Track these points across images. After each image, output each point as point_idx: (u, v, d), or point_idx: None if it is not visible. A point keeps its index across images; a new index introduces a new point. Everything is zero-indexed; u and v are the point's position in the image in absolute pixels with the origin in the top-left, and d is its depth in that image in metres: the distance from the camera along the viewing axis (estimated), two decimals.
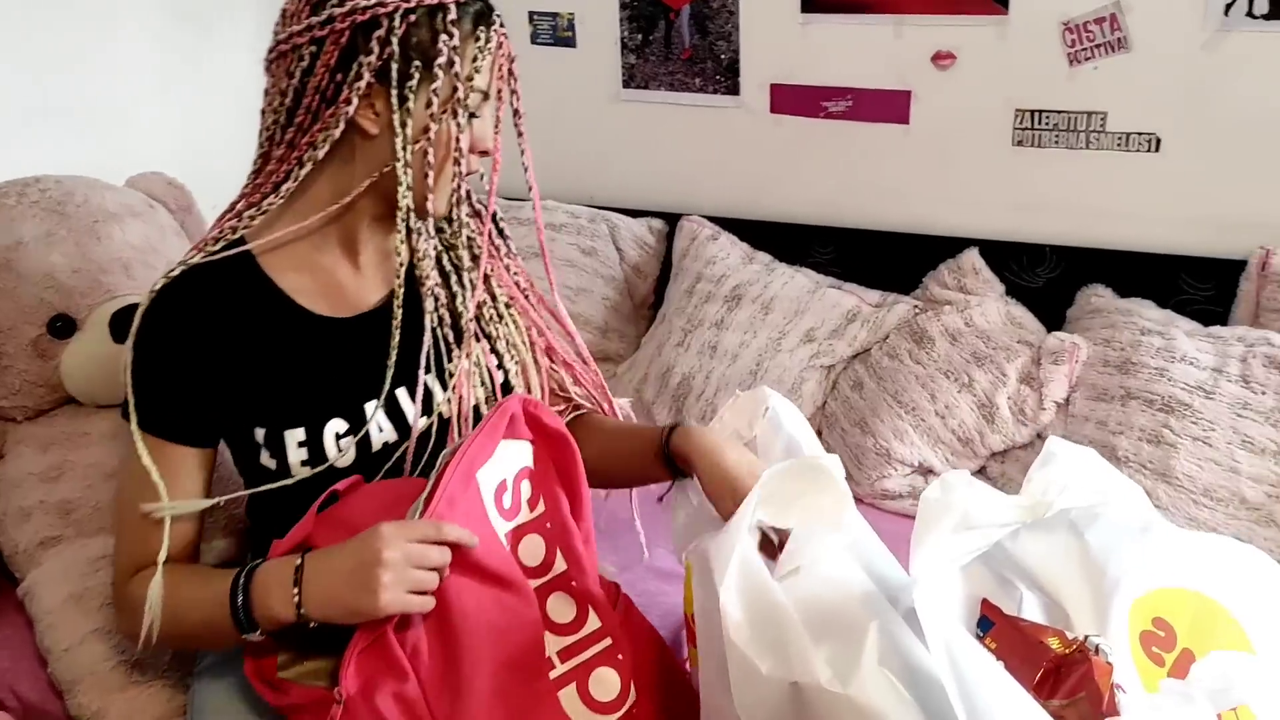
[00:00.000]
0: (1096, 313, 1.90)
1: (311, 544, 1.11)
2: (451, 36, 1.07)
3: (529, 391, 1.32)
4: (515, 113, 1.16)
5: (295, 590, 1.03)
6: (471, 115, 1.11)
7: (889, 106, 2.07)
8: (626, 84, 2.33)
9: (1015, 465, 1.84)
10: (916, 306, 2.03)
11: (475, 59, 1.10)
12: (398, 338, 1.17)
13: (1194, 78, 1.81)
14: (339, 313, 1.20)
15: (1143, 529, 1.15)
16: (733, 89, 2.22)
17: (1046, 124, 1.95)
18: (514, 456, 1.15)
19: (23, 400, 1.65)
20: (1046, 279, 2.01)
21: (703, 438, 1.18)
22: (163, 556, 1.11)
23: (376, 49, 1.06)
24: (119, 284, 1.67)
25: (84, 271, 1.64)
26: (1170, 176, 1.89)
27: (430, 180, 1.11)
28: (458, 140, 1.10)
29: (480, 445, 1.10)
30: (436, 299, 1.22)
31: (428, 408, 1.22)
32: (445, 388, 1.23)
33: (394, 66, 1.06)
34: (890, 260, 2.14)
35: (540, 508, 1.17)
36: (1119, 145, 1.91)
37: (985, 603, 1.16)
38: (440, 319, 1.23)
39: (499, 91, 1.14)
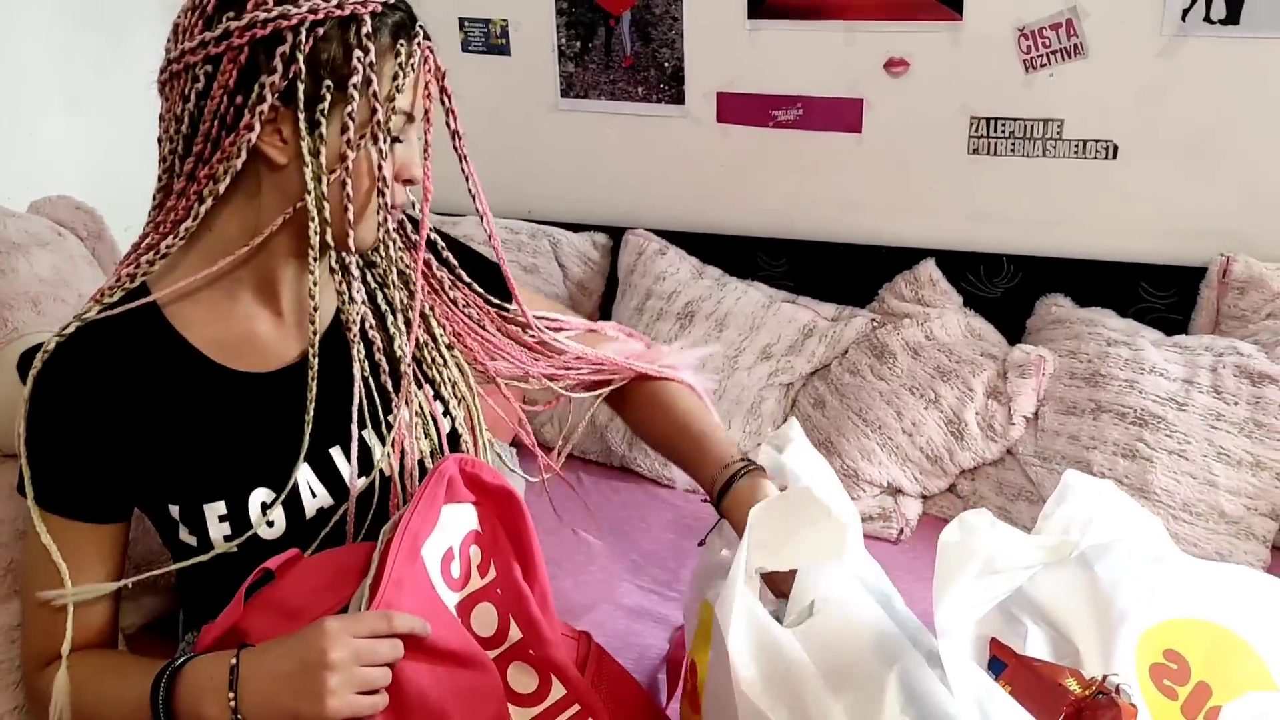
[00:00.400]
0: (1058, 323, 1.87)
1: (244, 631, 0.99)
2: (367, 52, 0.93)
3: (476, 438, 1.20)
4: (454, 135, 1.02)
5: (231, 695, 0.90)
6: (394, 140, 0.98)
7: (841, 115, 2.02)
8: (564, 93, 2.23)
9: (986, 482, 1.79)
10: (874, 320, 1.97)
11: (396, 77, 0.96)
12: (314, 390, 1.03)
13: (1151, 84, 1.79)
14: (258, 367, 1.04)
15: (1154, 559, 1.11)
16: (677, 98, 2.14)
17: (1002, 131, 1.91)
18: (458, 521, 1.05)
19: None
20: (1004, 289, 1.98)
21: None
22: (66, 649, 0.99)
23: (280, 67, 0.92)
24: (27, 321, 1.52)
25: None
26: (1128, 184, 1.86)
27: (351, 214, 0.97)
28: (380, 168, 0.97)
29: (422, 516, 1.00)
30: (370, 343, 1.08)
31: (366, 466, 1.08)
32: (384, 442, 1.08)
33: (300, 87, 0.92)
34: (844, 272, 2.08)
35: (491, 573, 1.08)
36: (1076, 153, 1.88)
37: (994, 642, 1.10)
38: (375, 366, 1.08)
39: (426, 112, 1.00)
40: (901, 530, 1.78)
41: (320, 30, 0.93)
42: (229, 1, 0.93)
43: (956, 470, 1.80)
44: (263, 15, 0.92)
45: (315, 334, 1.03)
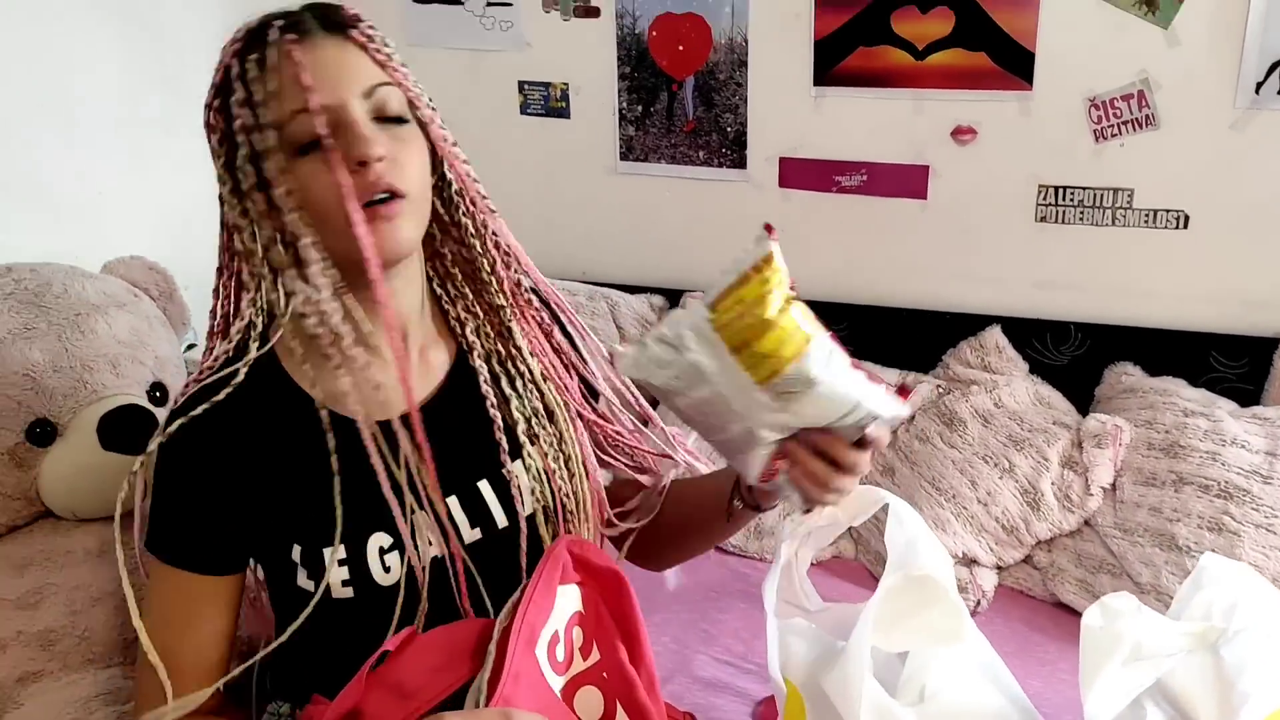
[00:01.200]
0: (1130, 392, 1.86)
1: (361, 711, 0.97)
2: (230, 66, 0.94)
3: (579, 504, 1.17)
4: (397, 119, 0.95)
5: None
6: (306, 148, 0.91)
7: (906, 181, 2.02)
8: (624, 156, 2.24)
9: (1064, 554, 1.76)
10: (940, 386, 1.96)
11: (264, 79, 0.92)
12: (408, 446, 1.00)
13: (1223, 155, 1.80)
14: (376, 414, 1.01)
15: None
16: (739, 162, 2.14)
17: (1071, 200, 1.92)
18: (564, 604, 1.02)
19: None
20: (1071, 356, 1.97)
21: None
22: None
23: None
24: (106, 383, 1.50)
25: (66, 370, 1.47)
26: (1199, 254, 1.86)
27: (335, 235, 0.92)
28: (318, 172, 0.91)
29: (539, 605, 0.97)
30: (483, 398, 1.06)
31: (479, 516, 1.06)
32: (498, 494, 1.06)
33: (211, 139, 0.97)
34: (906, 337, 2.07)
35: (594, 655, 1.05)
36: (1146, 222, 1.88)
37: None
38: (490, 420, 1.05)
39: (371, 90, 0.93)
40: (978, 602, 1.75)
41: (216, 102, 0.96)
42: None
43: (1033, 541, 1.77)
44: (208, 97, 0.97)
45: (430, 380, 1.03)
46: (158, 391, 1.59)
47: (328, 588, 1.00)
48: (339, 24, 0.94)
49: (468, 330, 1.07)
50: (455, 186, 1.03)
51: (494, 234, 1.06)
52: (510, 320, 1.09)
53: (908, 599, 1.08)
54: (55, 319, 1.49)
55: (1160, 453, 1.72)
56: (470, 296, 1.07)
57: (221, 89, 0.95)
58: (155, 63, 1.96)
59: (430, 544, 1.04)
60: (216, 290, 1.06)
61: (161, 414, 1.54)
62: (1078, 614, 1.72)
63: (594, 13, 2.16)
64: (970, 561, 1.79)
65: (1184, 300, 1.89)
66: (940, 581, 1.09)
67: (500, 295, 1.07)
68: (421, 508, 1.02)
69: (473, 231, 1.05)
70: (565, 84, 2.24)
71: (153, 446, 1.00)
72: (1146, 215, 1.88)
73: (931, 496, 1.81)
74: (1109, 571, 1.71)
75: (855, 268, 2.12)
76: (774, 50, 2.04)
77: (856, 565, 1.90)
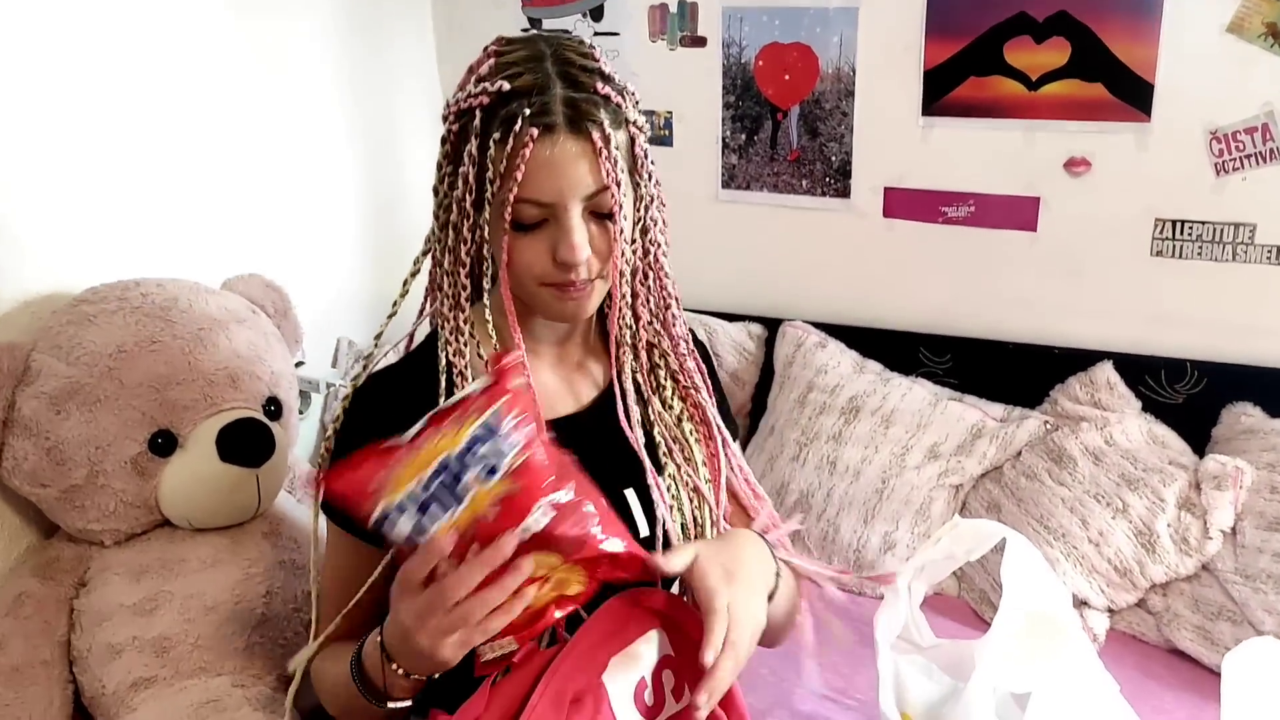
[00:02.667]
0: (1250, 433, 1.79)
1: None
2: (467, 142, 1.00)
3: (708, 528, 1.18)
4: (609, 216, 1.01)
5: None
6: (524, 226, 1.00)
7: (1015, 213, 1.99)
8: (725, 184, 2.24)
9: (1181, 599, 1.70)
10: (1048, 423, 1.92)
11: (502, 164, 0.98)
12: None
13: None
14: (544, 414, 1.09)
15: None
16: (842, 191, 2.13)
17: (1189, 235, 1.86)
18: (647, 651, 1.03)
19: (115, 523, 1.51)
20: (1187, 395, 1.91)
21: None
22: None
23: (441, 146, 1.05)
24: (225, 397, 1.54)
25: (189, 383, 1.51)
26: None
27: (524, 292, 1.06)
28: (522, 252, 1.01)
29: (576, 664, 0.98)
30: (629, 414, 1.13)
31: (629, 522, 1.09)
32: (643, 504, 1.12)
33: (441, 172, 1.05)
34: (1012, 372, 2.03)
35: (686, 695, 1.05)
36: (1269, 259, 1.82)
37: None
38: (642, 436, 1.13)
39: (598, 193, 1.00)
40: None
41: (455, 125, 1.02)
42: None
43: (1147, 584, 1.71)
44: (454, 96, 1.02)
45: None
46: (273, 405, 1.63)
47: None
48: (582, 122, 0.98)
49: (624, 355, 1.14)
50: (649, 254, 1.12)
51: (664, 280, 1.14)
52: (666, 354, 1.17)
53: (1033, 637, 1.06)
54: (179, 333, 1.53)
55: None
56: (635, 328, 1.14)
57: (459, 138, 1.02)
58: (281, 94, 2.02)
59: None
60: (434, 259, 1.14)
61: (277, 429, 1.58)
62: (1193, 661, 1.67)
63: (700, 42, 2.17)
64: (1081, 603, 1.74)
65: None
66: (1062, 619, 1.06)
67: (662, 335, 1.17)
68: None
69: (651, 283, 1.14)
70: (669, 112, 2.25)
71: (348, 396, 1.13)
72: (1269, 252, 1.82)
73: (1040, 535, 1.76)
74: (1229, 619, 1.64)
75: (961, 300, 2.09)
76: (882, 80, 2.03)
77: (959, 602, 1.86)
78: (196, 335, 1.55)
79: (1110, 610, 1.75)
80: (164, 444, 1.50)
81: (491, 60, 1.01)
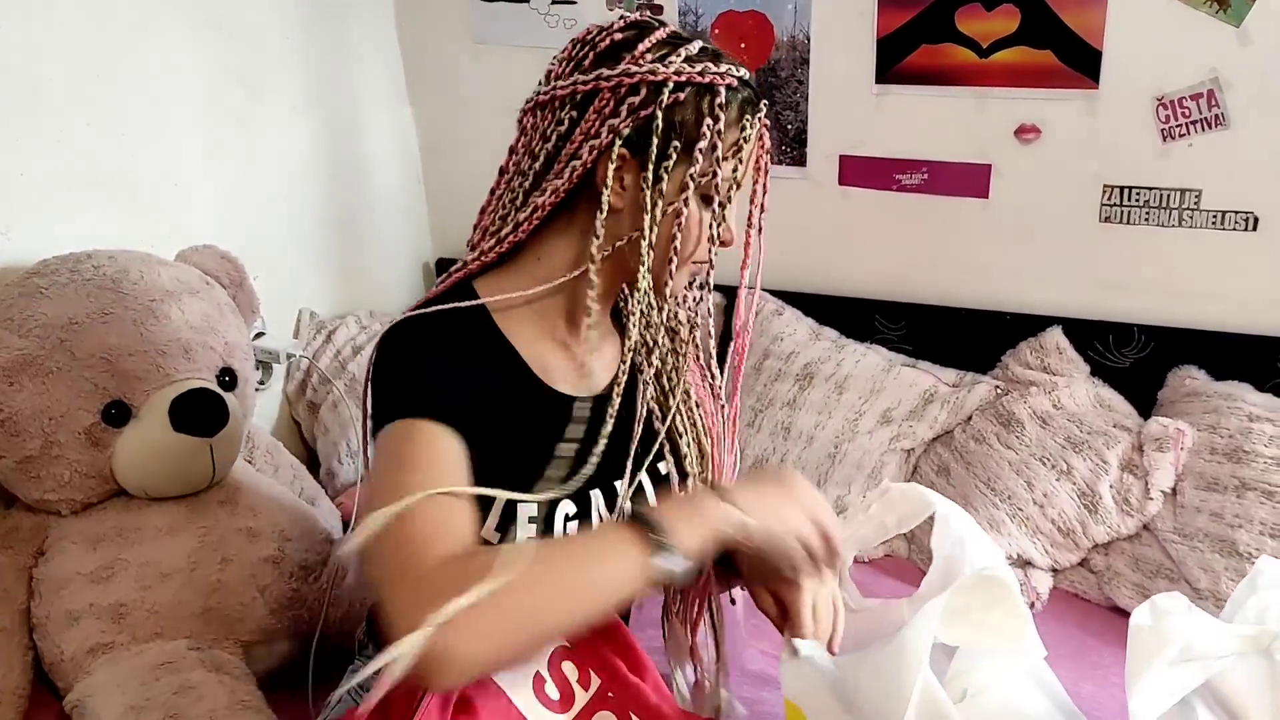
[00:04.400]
0: (1194, 396, 1.83)
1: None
2: (716, 120, 1.01)
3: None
4: (760, 208, 1.12)
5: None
6: (722, 205, 1.05)
7: (967, 180, 2.01)
8: None
9: (1121, 558, 1.74)
10: (998, 387, 1.95)
11: (737, 148, 1.04)
12: (609, 427, 1.09)
13: None
14: (570, 391, 1.13)
15: None
16: (799, 160, 2.14)
17: (1136, 200, 1.89)
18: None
19: (71, 493, 1.53)
20: (1134, 359, 1.94)
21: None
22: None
23: (627, 115, 1.01)
24: (178, 367, 1.56)
25: (141, 354, 1.53)
26: (1268, 256, 1.82)
27: (674, 265, 1.06)
28: (710, 228, 1.05)
29: None
30: (649, 392, 1.15)
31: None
32: (655, 487, 1.16)
33: (654, 141, 1.01)
34: (965, 337, 2.06)
35: (594, 681, 1.07)
36: (1214, 224, 1.85)
37: None
38: (650, 413, 1.14)
39: (756, 183, 1.10)
40: (1032, 604, 1.73)
41: (681, 94, 1.01)
42: (605, 56, 1.03)
43: (1090, 544, 1.75)
44: (634, 69, 1.01)
45: (624, 373, 1.10)
46: (227, 376, 1.65)
47: (512, 541, 1.06)
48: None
49: (634, 334, 1.12)
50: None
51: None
52: (678, 329, 1.20)
53: (975, 596, 1.08)
54: (131, 304, 1.55)
55: (1223, 458, 1.69)
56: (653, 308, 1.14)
57: (701, 109, 1.02)
58: (232, 61, 2.02)
59: (601, 520, 1.13)
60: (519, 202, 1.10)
61: (231, 399, 1.60)
62: None
63: (658, 9, 2.18)
64: (1025, 563, 1.78)
65: (1251, 304, 1.86)
66: (1007, 583, 1.08)
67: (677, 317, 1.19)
68: (598, 486, 1.12)
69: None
70: None
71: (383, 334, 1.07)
72: (1214, 217, 1.84)
73: (986, 497, 1.80)
74: (1166, 576, 1.68)
75: (915, 267, 2.11)
76: (836, 48, 2.04)
77: (909, 564, 1.89)
78: (148, 307, 1.56)
79: (1054, 570, 1.79)
80: (118, 414, 1.52)
81: (680, 41, 1.04)
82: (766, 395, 2.04)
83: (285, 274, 2.21)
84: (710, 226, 1.05)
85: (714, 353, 1.25)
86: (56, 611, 1.48)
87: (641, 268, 1.04)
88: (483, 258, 1.12)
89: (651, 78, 1.00)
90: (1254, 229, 1.82)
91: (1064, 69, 1.87)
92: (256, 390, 2.05)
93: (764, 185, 1.12)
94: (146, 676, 1.40)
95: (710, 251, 1.07)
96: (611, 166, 1.02)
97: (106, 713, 1.37)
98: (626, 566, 0.89)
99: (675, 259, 1.05)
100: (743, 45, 2.12)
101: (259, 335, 2.10)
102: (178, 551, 1.53)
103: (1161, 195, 1.87)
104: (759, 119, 1.07)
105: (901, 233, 2.10)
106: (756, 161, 1.10)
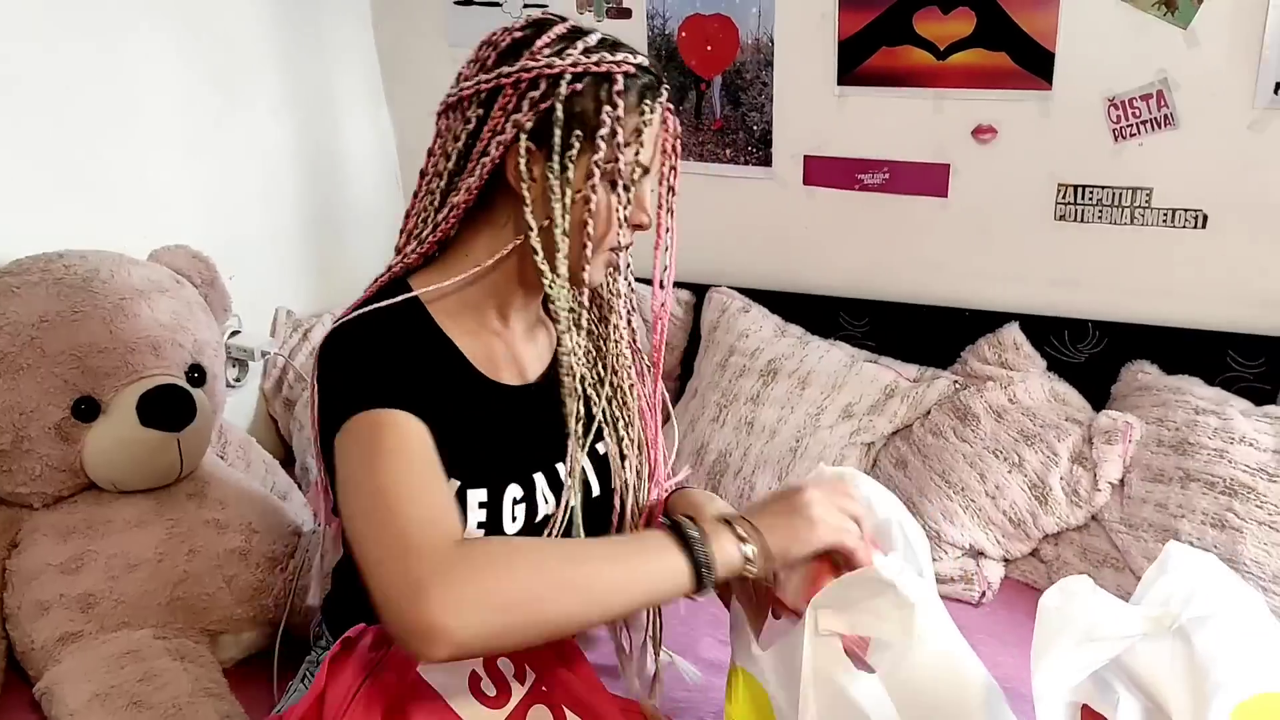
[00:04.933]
0: (1145, 390, 1.87)
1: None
2: (615, 107, 1.05)
3: (641, 494, 1.26)
4: (669, 190, 1.15)
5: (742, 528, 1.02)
6: (627, 188, 1.08)
7: (927, 179, 2.05)
8: None
9: (1070, 548, 1.78)
10: (957, 382, 1.99)
11: (639, 132, 1.08)
12: (571, 406, 1.13)
13: (1242, 155, 1.80)
14: (508, 380, 1.17)
15: (1252, 632, 1.10)
16: (764, 160, 2.19)
17: (1090, 199, 1.93)
18: None
19: (42, 486, 1.58)
20: (1089, 354, 1.98)
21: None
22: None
23: (528, 109, 1.05)
24: (146, 364, 1.61)
25: (110, 351, 1.58)
26: (1217, 253, 1.86)
27: (589, 251, 1.08)
28: (617, 212, 1.08)
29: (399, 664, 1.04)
30: (581, 377, 1.16)
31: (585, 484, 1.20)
32: (594, 468, 1.21)
33: (557, 133, 1.05)
34: (926, 334, 2.10)
35: (530, 675, 1.11)
36: (1164, 221, 1.88)
37: (1086, 710, 1.10)
38: (585, 396, 1.17)
39: (663, 167, 1.14)
40: (983, 593, 1.77)
41: (579, 85, 1.05)
42: (507, 54, 1.08)
43: (1040, 535, 1.79)
44: (532, 64, 1.05)
45: (569, 353, 1.10)
46: (196, 373, 1.69)
47: (465, 527, 1.08)
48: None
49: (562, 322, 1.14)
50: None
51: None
52: (609, 315, 1.23)
53: (861, 588, 1.11)
54: (101, 303, 1.59)
55: (1169, 449, 1.73)
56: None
57: (599, 97, 1.06)
58: (209, 62, 2.06)
59: (545, 502, 1.17)
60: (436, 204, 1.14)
61: (199, 394, 1.64)
62: None
63: (626, 14, 2.22)
64: (977, 554, 1.82)
65: (1202, 299, 1.90)
66: (887, 578, 1.10)
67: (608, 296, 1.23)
68: (541, 470, 1.16)
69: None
70: None
71: (327, 335, 1.11)
72: (1165, 215, 1.88)
73: (941, 489, 1.84)
74: (1112, 565, 1.72)
75: (877, 265, 2.15)
76: (799, 50, 2.08)
77: None
78: (118, 305, 1.61)
79: (1006, 560, 1.83)
80: (87, 410, 1.56)
81: (578, 35, 1.08)
82: (731, 391, 2.08)
83: (263, 273, 2.25)
84: (618, 210, 1.08)
85: (637, 332, 1.28)
86: (28, 602, 1.52)
87: (558, 254, 1.07)
88: (405, 260, 1.15)
89: (549, 71, 1.05)
90: (1203, 226, 1.86)
91: (1019, 70, 1.91)
92: (232, 387, 2.10)
93: (673, 166, 1.15)
94: (112, 665, 1.44)
95: (621, 235, 1.11)
96: (522, 161, 1.06)
97: (73, 700, 1.41)
98: (666, 588, 0.98)
99: (589, 244, 1.08)
100: (709, 48, 2.16)
101: (235, 333, 2.15)
102: (146, 543, 1.57)
103: (1114, 194, 1.91)
104: (659, 103, 1.10)
105: (865, 231, 2.14)
106: (663, 144, 1.13)
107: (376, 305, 1.10)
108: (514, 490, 1.14)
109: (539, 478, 1.17)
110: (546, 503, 1.17)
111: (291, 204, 2.32)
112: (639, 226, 1.12)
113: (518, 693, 1.08)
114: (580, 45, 1.07)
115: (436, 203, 1.13)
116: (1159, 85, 1.82)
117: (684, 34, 2.18)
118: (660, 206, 1.15)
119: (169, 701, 1.40)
